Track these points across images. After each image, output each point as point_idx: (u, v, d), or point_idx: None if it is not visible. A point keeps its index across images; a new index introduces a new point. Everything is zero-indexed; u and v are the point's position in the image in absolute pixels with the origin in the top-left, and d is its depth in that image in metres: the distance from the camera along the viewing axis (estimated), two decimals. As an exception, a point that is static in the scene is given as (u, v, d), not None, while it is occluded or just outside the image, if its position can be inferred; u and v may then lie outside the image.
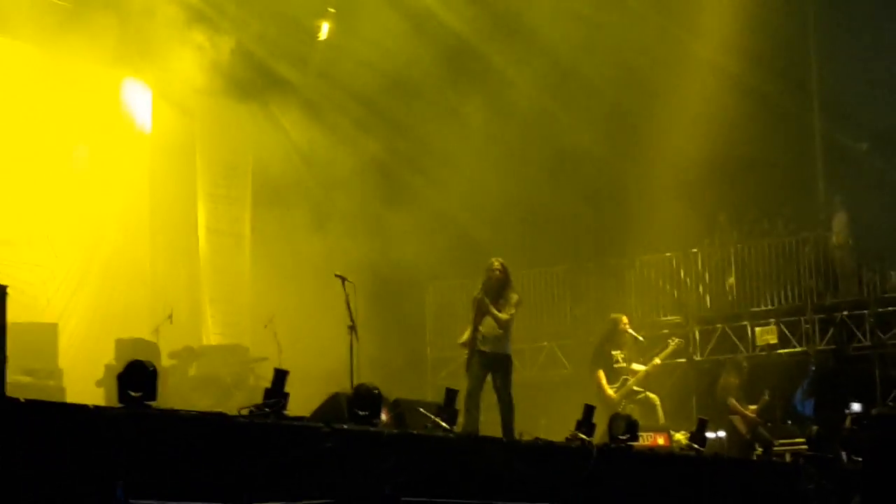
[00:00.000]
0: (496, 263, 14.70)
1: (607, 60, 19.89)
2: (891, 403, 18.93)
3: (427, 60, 20.48)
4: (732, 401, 17.85)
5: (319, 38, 21.24)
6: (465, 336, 14.59)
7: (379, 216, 21.70)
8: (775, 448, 17.27)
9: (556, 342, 21.55)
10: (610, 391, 16.33)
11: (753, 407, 17.86)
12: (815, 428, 15.22)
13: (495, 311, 14.39)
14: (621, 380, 16.45)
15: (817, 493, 13.31)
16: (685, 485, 11.95)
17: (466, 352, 14.54)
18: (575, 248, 21.66)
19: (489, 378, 14.38)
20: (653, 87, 20.26)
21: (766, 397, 17.96)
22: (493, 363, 14.37)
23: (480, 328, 14.41)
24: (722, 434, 17.97)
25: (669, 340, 17.26)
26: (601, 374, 16.47)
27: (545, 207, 21.40)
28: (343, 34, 21.02)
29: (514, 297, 14.65)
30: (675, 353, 17.19)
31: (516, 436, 12.95)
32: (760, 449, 17.53)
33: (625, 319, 16.88)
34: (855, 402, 18.41)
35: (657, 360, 16.73)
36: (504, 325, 14.40)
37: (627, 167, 20.88)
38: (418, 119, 21.32)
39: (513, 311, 14.53)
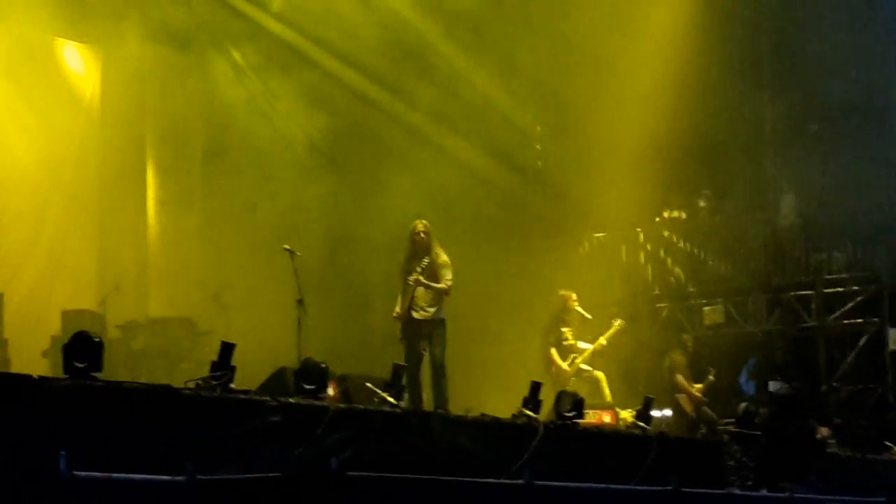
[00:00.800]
0: (420, 226, 14.35)
1: (552, 40, 19.85)
2: (835, 384, 19.10)
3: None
4: (680, 378, 17.95)
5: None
6: (398, 308, 14.43)
7: (329, 187, 21.57)
8: (719, 427, 17.38)
9: (502, 318, 21.52)
10: (564, 365, 16.41)
11: (699, 386, 17.97)
12: (742, 405, 15.35)
13: (437, 286, 14.23)
14: (570, 357, 16.54)
15: (737, 471, 13.43)
16: (630, 462, 12.01)
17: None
18: (524, 226, 21.62)
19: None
20: (601, 65, 20.21)
21: (712, 377, 18.07)
22: (429, 330, 14.21)
23: (415, 298, 14.26)
24: (668, 412, 18.06)
25: (613, 321, 17.32)
26: (554, 351, 16.54)
27: (494, 184, 21.35)
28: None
29: (444, 257, 14.35)
30: (620, 333, 17.23)
31: (463, 412, 12.94)
32: (705, 428, 17.66)
33: (573, 297, 16.92)
34: (779, 381, 18.59)
35: (603, 340, 16.80)
36: (448, 293, 14.26)
37: (575, 144, 20.86)
38: (381, 86, 21.19)
39: (450, 275, 14.34)
